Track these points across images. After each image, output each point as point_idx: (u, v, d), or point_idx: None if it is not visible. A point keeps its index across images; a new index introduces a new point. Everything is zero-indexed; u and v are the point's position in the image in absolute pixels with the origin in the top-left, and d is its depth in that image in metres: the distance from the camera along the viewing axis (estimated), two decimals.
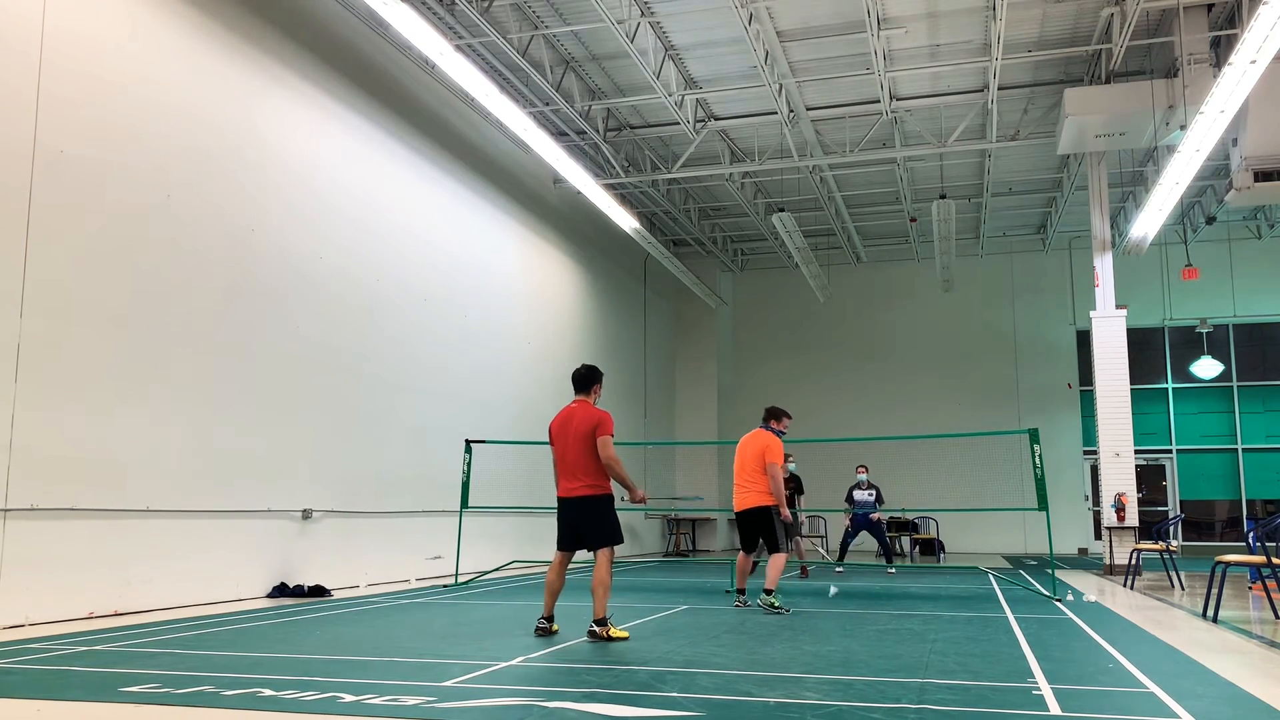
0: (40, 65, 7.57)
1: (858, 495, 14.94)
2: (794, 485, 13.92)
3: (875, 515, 14.83)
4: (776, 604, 8.35)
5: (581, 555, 7.08)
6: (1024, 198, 20.11)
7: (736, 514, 8.91)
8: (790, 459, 13.09)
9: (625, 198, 18.82)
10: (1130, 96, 12.99)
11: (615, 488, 6.80)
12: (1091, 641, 6.61)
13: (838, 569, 14.49)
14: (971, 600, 9.74)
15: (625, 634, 6.56)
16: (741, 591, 8.97)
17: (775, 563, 8.53)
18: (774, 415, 9.31)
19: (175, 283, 8.77)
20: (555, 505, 6.94)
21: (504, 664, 5.50)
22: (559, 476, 6.84)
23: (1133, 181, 18.61)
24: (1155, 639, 6.78)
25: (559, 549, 6.84)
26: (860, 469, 15.10)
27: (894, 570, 14.50)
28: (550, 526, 12.86)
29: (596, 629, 6.45)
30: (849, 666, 5.44)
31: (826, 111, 15.35)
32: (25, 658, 5.66)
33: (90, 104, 7.99)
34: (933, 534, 19.99)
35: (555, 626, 6.88)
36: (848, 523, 15.01)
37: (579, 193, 15.83)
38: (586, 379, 7.00)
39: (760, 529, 8.73)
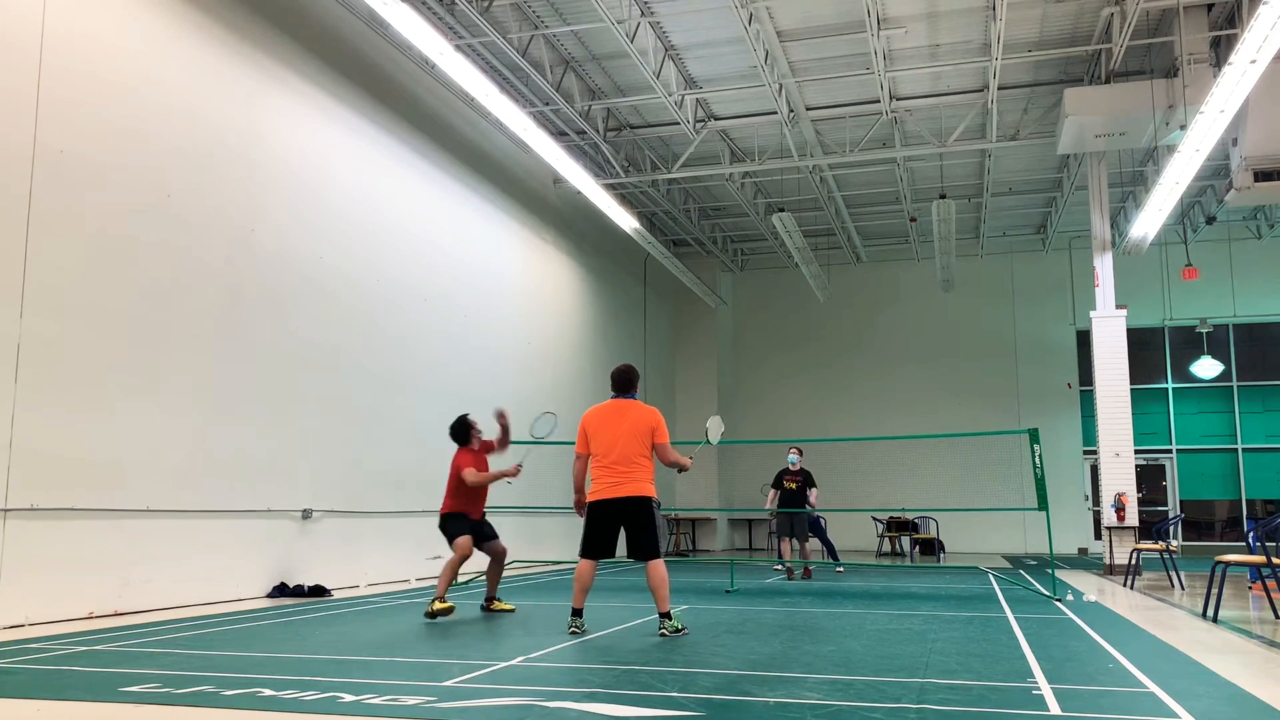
0: (40, 65, 7.57)
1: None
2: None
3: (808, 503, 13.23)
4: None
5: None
6: (1024, 198, 20.10)
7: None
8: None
9: (625, 198, 18.82)
10: (1130, 96, 12.99)
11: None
12: (1091, 641, 6.61)
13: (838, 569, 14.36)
14: (971, 600, 9.74)
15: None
16: None
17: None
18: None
19: (175, 282, 8.77)
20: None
21: (504, 664, 5.50)
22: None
23: (1133, 181, 18.61)
24: (1155, 639, 6.78)
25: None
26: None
27: (841, 570, 13.89)
28: (549, 526, 12.94)
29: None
30: (849, 666, 5.44)
31: (826, 111, 15.35)
32: (25, 658, 5.66)
33: (90, 104, 7.99)
34: (933, 534, 19.99)
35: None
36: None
37: (579, 193, 15.82)
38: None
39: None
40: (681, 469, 7.10)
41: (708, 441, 8.45)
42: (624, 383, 7.21)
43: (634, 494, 6.78)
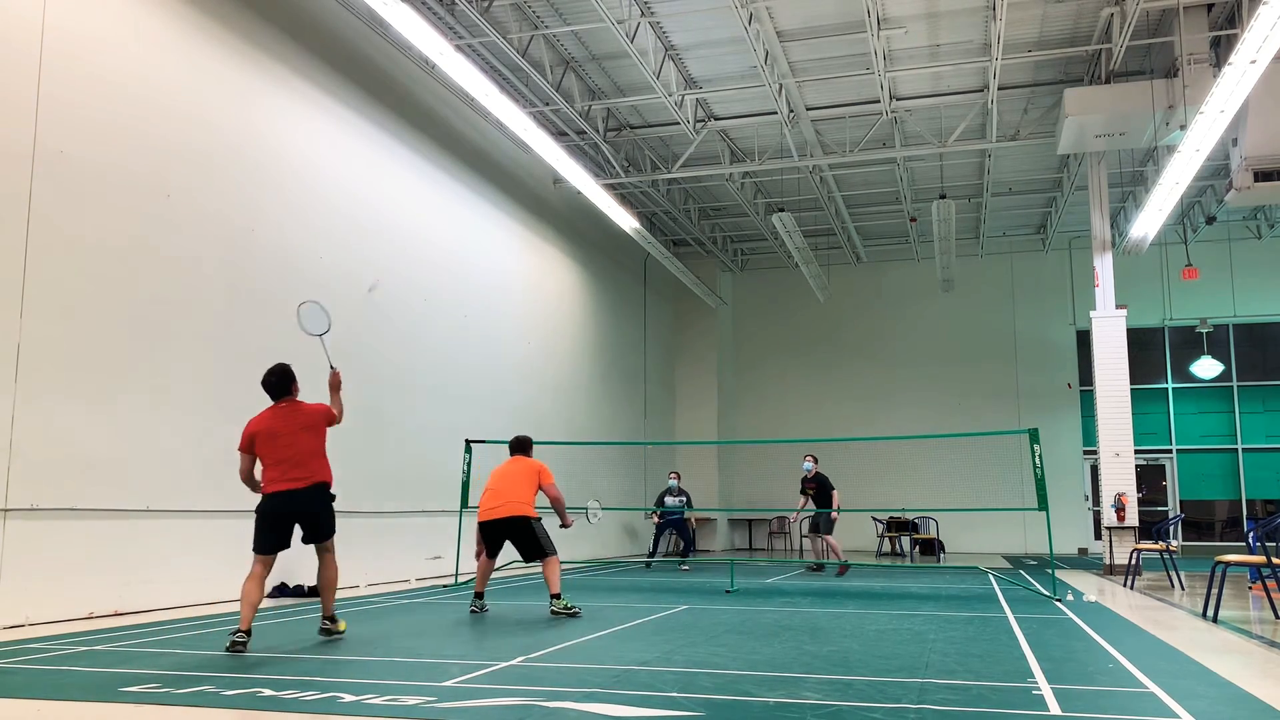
0: (40, 65, 7.57)
1: (669, 500, 15.73)
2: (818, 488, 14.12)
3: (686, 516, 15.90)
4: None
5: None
6: (1024, 198, 20.10)
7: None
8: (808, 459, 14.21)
9: (625, 198, 18.81)
10: (1130, 96, 12.99)
11: None
12: (1091, 641, 6.61)
13: (682, 568, 15.41)
14: (971, 600, 9.74)
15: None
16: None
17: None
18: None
19: (175, 282, 8.77)
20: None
21: (504, 664, 5.50)
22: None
23: (1133, 181, 18.61)
24: (1155, 639, 6.78)
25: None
26: (673, 474, 16.06)
27: (687, 567, 15.34)
28: (552, 527, 12.37)
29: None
30: (849, 666, 5.44)
31: (826, 111, 15.35)
32: (25, 658, 5.66)
33: (90, 104, 7.99)
34: (933, 534, 19.99)
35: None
36: (656, 522, 16.14)
37: (579, 193, 15.82)
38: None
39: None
40: (562, 519, 8.58)
41: (588, 519, 10.71)
42: (519, 446, 8.84)
43: (510, 514, 8.22)
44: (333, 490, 6.67)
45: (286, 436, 6.43)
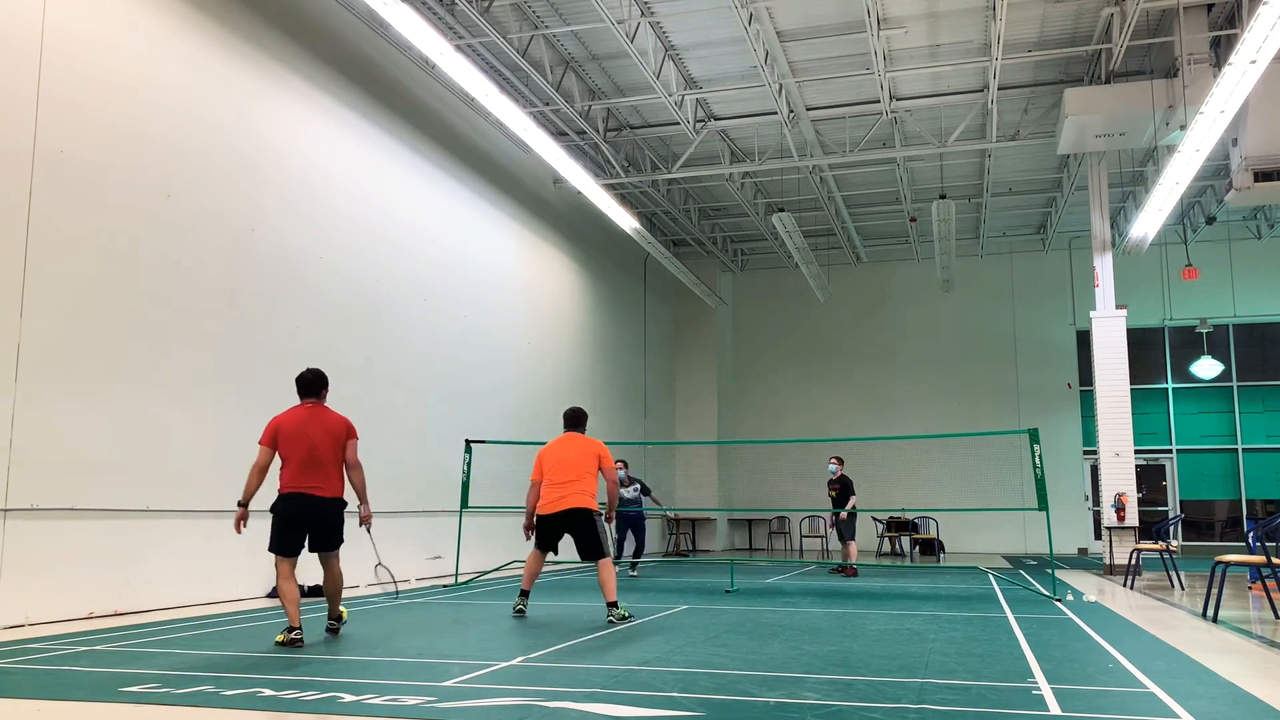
0: (40, 65, 7.57)
1: (624, 493, 13.63)
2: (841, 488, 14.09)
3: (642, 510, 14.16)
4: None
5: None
6: (1024, 198, 20.10)
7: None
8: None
9: (625, 198, 18.82)
10: (1130, 96, 12.99)
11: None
12: (1091, 641, 6.61)
13: (631, 573, 13.65)
14: (971, 600, 9.74)
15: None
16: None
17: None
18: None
19: (175, 282, 8.77)
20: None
21: (504, 664, 5.51)
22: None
23: (1133, 181, 18.61)
24: (1155, 639, 6.78)
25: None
26: (619, 464, 13.44)
27: (635, 572, 13.74)
28: None
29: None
30: (849, 666, 5.44)
31: (826, 111, 15.35)
32: (25, 658, 5.66)
33: (90, 104, 7.99)
34: (933, 534, 19.99)
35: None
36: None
37: (579, 193, 15.83)
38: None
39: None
40: (610, 509, 8.13)
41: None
42: (574, 420, 8.31)
43: (575, 505, 7.81)
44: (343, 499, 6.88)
45: (309, 438, 6.51)
